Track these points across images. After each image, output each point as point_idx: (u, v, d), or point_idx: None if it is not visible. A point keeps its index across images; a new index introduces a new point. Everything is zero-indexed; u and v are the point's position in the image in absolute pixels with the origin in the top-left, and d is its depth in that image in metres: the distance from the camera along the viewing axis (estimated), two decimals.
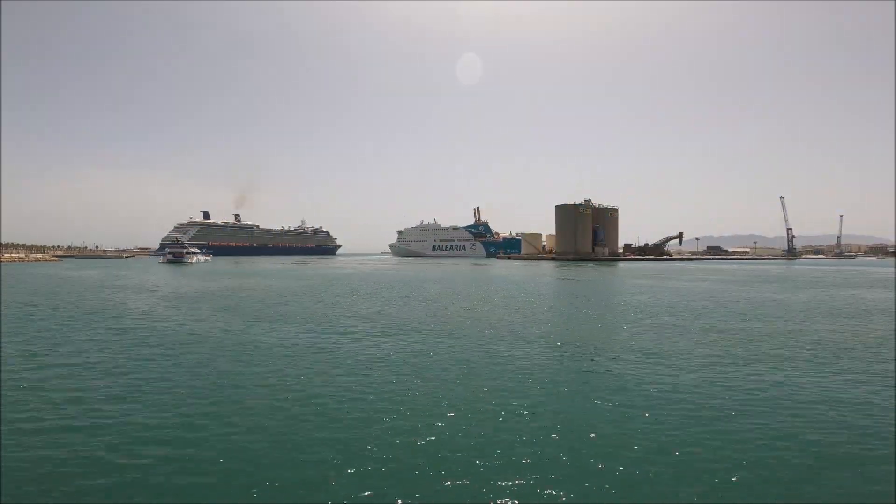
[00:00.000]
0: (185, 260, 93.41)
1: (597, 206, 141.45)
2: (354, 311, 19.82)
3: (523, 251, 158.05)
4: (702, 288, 33.10)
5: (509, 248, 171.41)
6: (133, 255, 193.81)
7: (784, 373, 9.86)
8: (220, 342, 13.18)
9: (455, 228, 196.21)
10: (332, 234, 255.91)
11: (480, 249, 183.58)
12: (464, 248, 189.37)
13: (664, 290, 30.47)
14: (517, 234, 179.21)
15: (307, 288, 32.53)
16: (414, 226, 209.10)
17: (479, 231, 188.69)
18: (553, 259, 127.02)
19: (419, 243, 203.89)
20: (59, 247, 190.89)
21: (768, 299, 25.11)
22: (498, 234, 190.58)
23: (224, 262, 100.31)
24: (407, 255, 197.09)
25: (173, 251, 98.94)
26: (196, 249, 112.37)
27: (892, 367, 10.37)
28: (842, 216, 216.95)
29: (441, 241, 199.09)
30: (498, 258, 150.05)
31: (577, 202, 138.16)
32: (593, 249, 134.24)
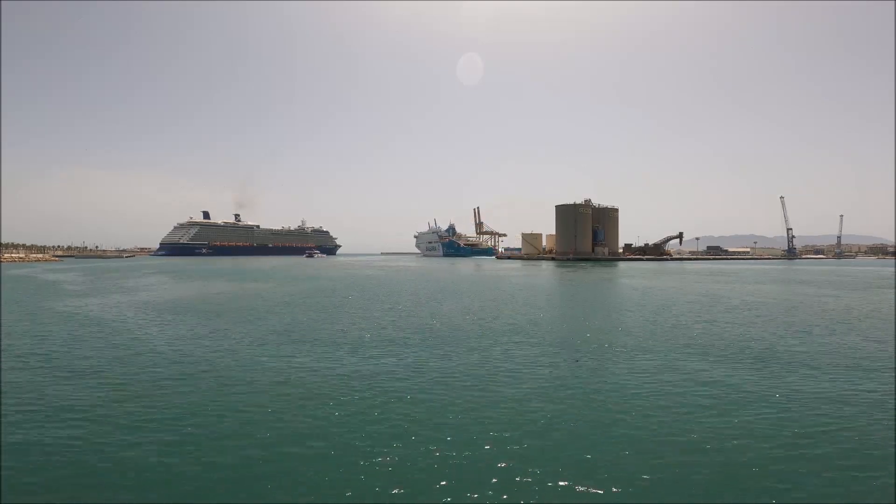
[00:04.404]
0: (314, 257, 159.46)
1: (597, 206, 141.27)
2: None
3: (523, 251, 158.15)
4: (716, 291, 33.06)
5: (453, 249, 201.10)
6: (133, 255, 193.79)
7: (787, 373, 9.87)
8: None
9: (433, 231, 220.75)
10: (332, 234, 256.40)
11: (440, 250, 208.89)
12: (435, 248, 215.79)
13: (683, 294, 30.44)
14: (490, 233, 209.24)
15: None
16: (423, 229, 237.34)
17: (445, 234, 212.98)
18: (553, 259, 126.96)
19: (422, 245, 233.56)
20: (59, 247, 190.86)
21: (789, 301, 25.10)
22: (482, 234, 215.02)
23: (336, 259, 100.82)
24: (422, 256, 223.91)
25: (309, 252, 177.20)
26: (317, 250, 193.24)
27: (893, 366, 10.38)
28: (842, 216, 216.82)
29: (428, 242, 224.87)
30: (498, 257, 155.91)
31: (577, 202, 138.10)
32: (593, 249, 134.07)
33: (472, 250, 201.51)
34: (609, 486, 5.17)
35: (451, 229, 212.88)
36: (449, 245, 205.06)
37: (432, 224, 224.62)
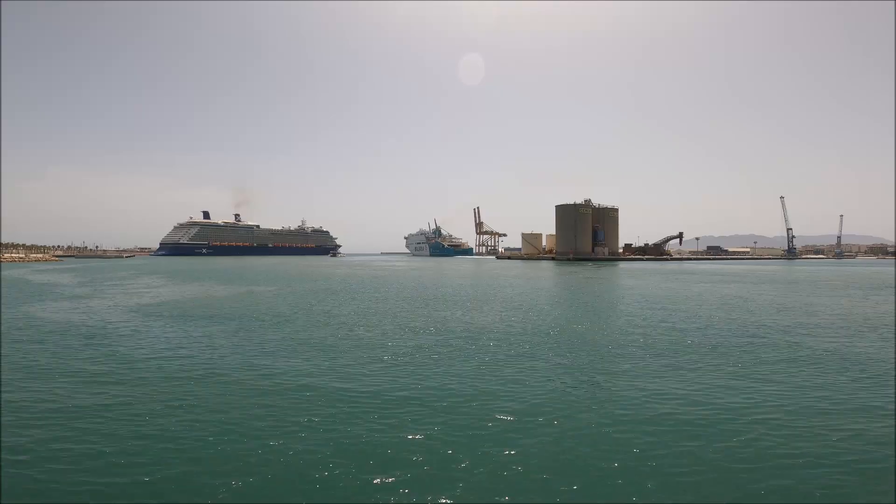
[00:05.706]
0: (337, 256, 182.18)
1: (597, 206, 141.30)
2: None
3: (523, 251, 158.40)
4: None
5: (439, 249, 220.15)
6: (133, 255, 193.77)
7: (788, 374, 9.88)
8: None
9: (421, 233, 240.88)
10: (332, 234, 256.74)
11: (427, 250, 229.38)
12: (423, 249, 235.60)
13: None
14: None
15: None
16: (414, 231, 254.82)
17: (432, 235, 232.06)
18: (553, 259, 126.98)
19: (412, 245, 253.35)
20: (59, 247, 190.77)
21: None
22: (460, 238, 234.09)
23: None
24: (412, 256, 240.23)
25: (333, 251, 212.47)
26: (339, 251, 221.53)
27: (892, 367, 10.38)
28: (842, 216, 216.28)
29: (417, 243, 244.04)
30: (498, 257, 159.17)
31: (577, 202, 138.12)
32: (593, 249, 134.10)
33: (456, 250, 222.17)
34: (615, 489, 5.17)
35: (437, 231, 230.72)
36: (435, 246, 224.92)
37: (431, 224, 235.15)
